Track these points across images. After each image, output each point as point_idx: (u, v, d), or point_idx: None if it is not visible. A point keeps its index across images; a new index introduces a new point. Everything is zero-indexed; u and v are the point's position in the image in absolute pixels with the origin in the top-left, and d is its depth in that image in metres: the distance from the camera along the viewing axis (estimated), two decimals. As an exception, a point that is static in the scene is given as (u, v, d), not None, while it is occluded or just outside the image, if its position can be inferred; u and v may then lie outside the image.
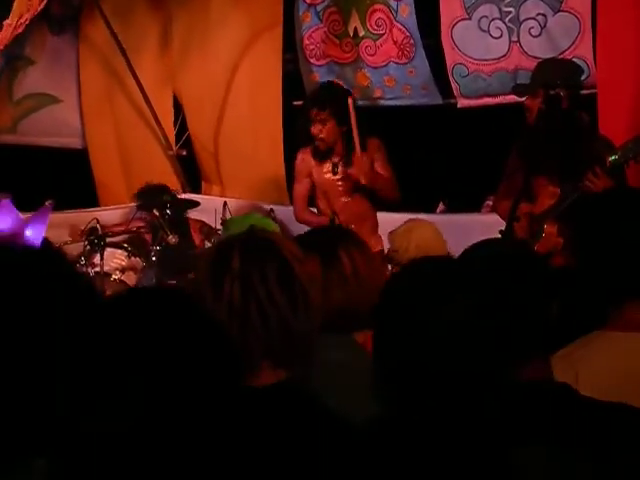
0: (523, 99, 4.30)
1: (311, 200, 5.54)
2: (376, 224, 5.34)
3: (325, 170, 5.30)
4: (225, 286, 1.74)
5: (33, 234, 4.65)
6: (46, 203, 4.84)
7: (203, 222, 6.14)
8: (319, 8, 6.61)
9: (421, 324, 1.50)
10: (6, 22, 6.18)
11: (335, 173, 5.25)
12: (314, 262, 2.18)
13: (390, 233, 3.50)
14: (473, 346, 1.49)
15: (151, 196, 5.99)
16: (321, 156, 5.25)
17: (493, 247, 2.04)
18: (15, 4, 6.16)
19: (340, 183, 5.27)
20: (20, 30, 6.22)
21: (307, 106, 5.30)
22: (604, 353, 1.95)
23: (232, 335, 1.64)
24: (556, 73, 4.17)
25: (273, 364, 1.76)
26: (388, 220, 5.25)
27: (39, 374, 1.44)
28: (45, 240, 5.11)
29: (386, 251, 4.37)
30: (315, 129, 5.15)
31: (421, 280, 1.57)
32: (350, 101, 5.09)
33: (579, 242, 2.11)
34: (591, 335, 2.00)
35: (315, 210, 5.54)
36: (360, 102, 6.51)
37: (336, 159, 5.24)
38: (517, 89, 4.48)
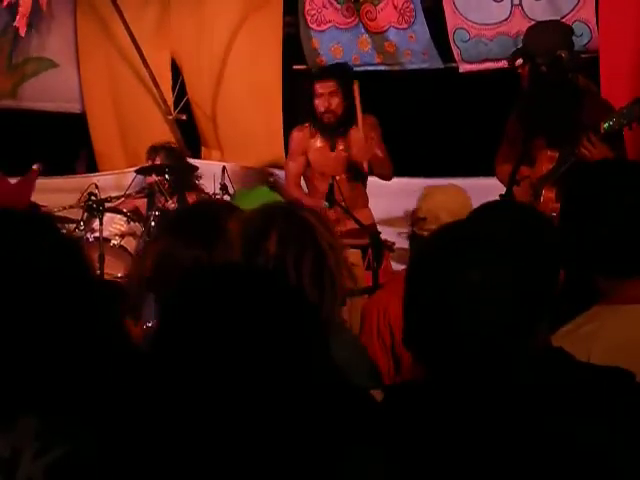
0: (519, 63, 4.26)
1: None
2: (367, 199, 5.43)
3: (323, 146, 5.31)
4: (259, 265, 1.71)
5: (20, 197, 4.64)
6: (33, 166, 4.82)
7: (202, 191, 6.11)
8: (320, -27, 6.56)
9: (445, 288, 1.51)
10: None
11: (333, 150, 5.28)
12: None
13: (419, 199, 3.48)
14: (495, 308, 1.51)
15: (161, 154, 5.96)
16: (326, 131, 5.24)
17: (510, 210, 2.05)
18: None
19: (338, 160, 5.29)
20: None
21: (313, 80, 5.29)
22: (616, 326, 1.92)
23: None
24: (545, 38, 4.11)
25: None
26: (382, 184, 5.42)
27: (23, 336, 1.44)
28: (33, 204, 5.09)
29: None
30: (324, 102, 5.17)
31: (446, 245, 1.58)
32: (356, 85, 5.11)
33: (563, 214, 2.08)
34: (595, 309, 1.98)
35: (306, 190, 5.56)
36: (361, 68, 6.51)
37: (336, 136, 5.26)
38: (509, 58, 4.43)
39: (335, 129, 5.26)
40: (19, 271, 1.47)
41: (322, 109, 5.19)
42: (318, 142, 5.34)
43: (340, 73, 5.36)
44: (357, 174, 5.35)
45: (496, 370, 1.51)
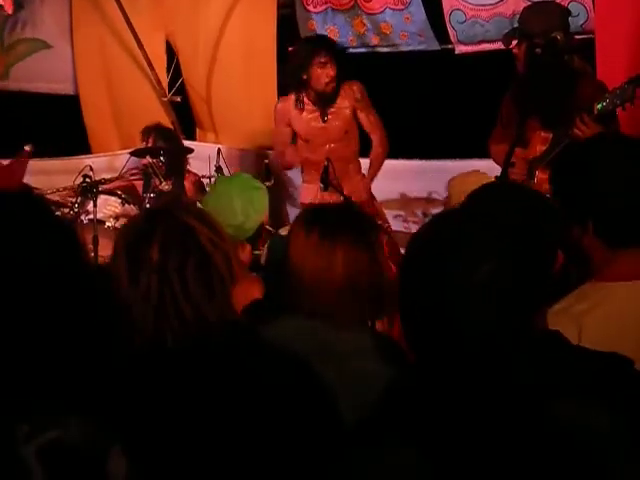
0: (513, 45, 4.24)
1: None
2: (359, 166, 5.38)
3: (313, 117, 5.28)
4: (142, 277, 1.73)
5: (12, 178, 4.60)
6: (25, 147, 4.79)
7: (195, 174, 6.10)
8: (315, -46, 6.54)
9: (442, 272, 1.49)
10: None
11: (325, 120, 5.26)
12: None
13: (450, 180, 3.48)
14: (494, 293, 1.48)
15: (156, 135, 5.93)
16: (321, 101, 5.22)
17: (507, 193, 2.05)
18: None
19: (328, 129, 5.27)
20: None
21: (307, 52, 5.25)
22: (607, 304, 1.93)
23: (147, 322, 1.68)
24: (540, 19, 4.09)
25: None
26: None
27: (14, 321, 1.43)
28: (26, 186, 5.07)
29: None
30: (328, 72, 5.12)
31: (441, 230, 1.55)
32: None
33: (554, 192, 2.10)
34: (585, 287, 1.98)
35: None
36: (357, 49, 6.49)
37: (328, 106, 5.24)
38: (503, 38, 4.40)
39: (330, 99, 5.24)
40: (11, 253, 1.46)
41: (327, 79, 5.15)
42: (305, 112, 5.31)
43: (334, 44, 5.34)
44: (348, 142, 5.33)
45: (494, 365, 1.49)
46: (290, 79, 5.28)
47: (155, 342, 1.69)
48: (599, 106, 3.73)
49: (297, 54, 5.30)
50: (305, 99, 5.26)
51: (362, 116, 5.30)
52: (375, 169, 5.37)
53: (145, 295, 1.72)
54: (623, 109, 3.69)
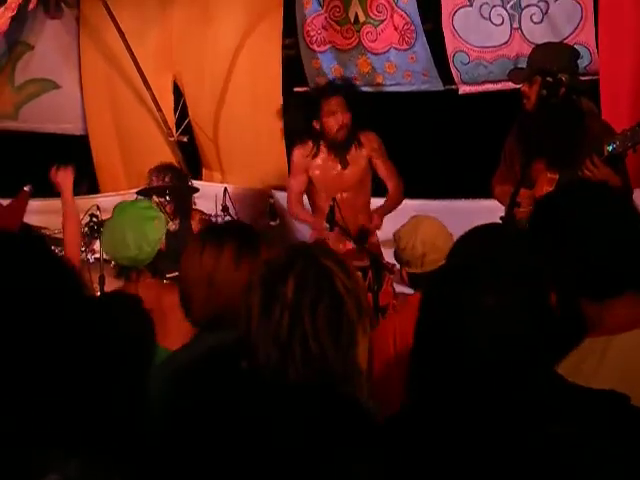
0: (519, 86, 4.27)
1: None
2: (369, 217, 5.38)
3: (329, 164, 5.30)
4: (275, 312, 1.73)
5: (11, 219, 4.59)
6: (24, 188, 4.80)
7: (203, 212, 6.12)
8: (320, -6, 6.60)
9: (460, 314, 1.56)
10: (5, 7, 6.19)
11: (345, 167, 5.27)
12: None
13: (395, 232, 3.51)
14: (508, 336, 1.55)
15: (165, 174, 5.96)
16: (336, 148, 5.23)
17: (504, 234, 2.07)
18: None
19: (343, 177, 5.29)
20: (12, 13, 6.19)
21: (319, 97, 5.27)
22: (615, 360, 1.90)
23: (271, 360, 1.69)
24: (552, 58, 4.12)
25: None
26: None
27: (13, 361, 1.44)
28: (25, 225, 5.03)
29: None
30: (337, 119, 5.14)
31: (459, 274, 1.63)
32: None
33: (537, 237, 2.05)
34: (586, 344, 1.94)
35: (309, 208, 5.55)
36: (362, 88, 6.54)
37: (344, 153, 5.26)
38: (513, 76, 4.42)
39: (344, 146, 5.26)
40: (9, 292, 1.46)
41: (337, 126, 5.17)
42: (321, 160, 5.33)
43: (345, 87, 5.37)
44: (360, 191, 5.35)
45: (503, 396, 1.54)
46: (303, 129, 5.30)
47: (276, 377, 1.69)
48: (609, 148, 3.74)
49: (307, 103, 5.33)
50: (322, 146, 5.28)
51: (378, 163, 5.33)
52: (389, 206, 5.36)
53: (275, 330, 1.72)
54: (634, 151, 3.70)
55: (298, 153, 5.40)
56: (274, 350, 1.71)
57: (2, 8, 6.37)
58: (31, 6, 6.42)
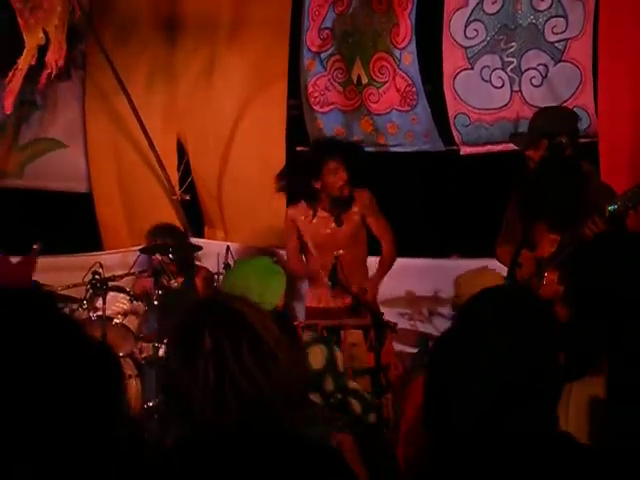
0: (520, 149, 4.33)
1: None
2: (367, 273, 5.42)
3: (324, 222, 5.31)
4: (199, 365, 1.75)
5: (21, 277, 4.63)
6: (34, 246, 4.84)
7: (207, 269, 6.15)
8: (323, 56, 6.68)
9: (468, 366, 1.62)
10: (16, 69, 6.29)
11: (340, 225, 5.28)
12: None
13: (457, 278, 3.51)
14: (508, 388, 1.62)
15: (162, 235, 6.00)
16: (334, 206, 5.25)
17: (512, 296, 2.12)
18: (25, 52, 6.27)
19: (339, 235, 5.30)
20: (23, 73, 6.30)
21: (317, 160, 5.28)
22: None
23: (206, 408, 1.69)
24: (556, 122, 4.18)
25: None
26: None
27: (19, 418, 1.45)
28: (35, 282, 5.06)
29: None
30: (341, 177, 5.16)
31: (466, 330, 1.70)
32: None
33: (572, 293, 2.12)
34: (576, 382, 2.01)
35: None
36: (364, 149, 6.59)
37: (342, 211, 5.27)
38: (516, 140, 4.49)
39: (344, 204, 5.28)
40: (17, 350, 1.48)
41: (341, 182, 5.18)
42: (315, 219, 5.34)
43: (345, 148, 5.39)
44: (355, 248, 5.36)
45: (506, 449, 1.59)
46: (301, 188, 5.31)
47: (213, 428, 1.70)
48: (610, 208, 3.79)
49: (306, 163, 5.35)
50: (319, 208, 5.30)
51: (371, 221, 5.34)
52: (383, 271, 5.39)
53: (204, 381, 1.72)
54: (635, 211, 3.75)
55: (291, 213, 5.42)
56: (208, 401, 1.72)
57: (12, 70, 6.47)
58: (45, 77, 6.52)
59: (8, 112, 6.79)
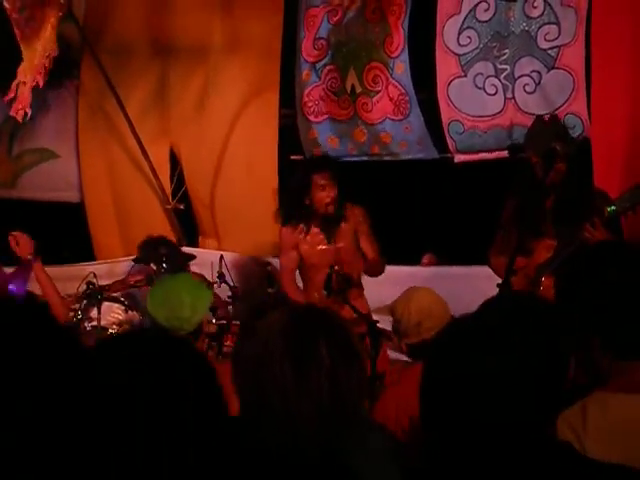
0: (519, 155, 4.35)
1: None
2: (362, 288, 5.39)
3: (317, 239, 5.31)
4: (312, 381, 1.70)
5: (16, 287, 4.63)
6: (28, 257, 4.84)
7: (202, 276, 6.13)
8: (318, 66, 6.69)
9: (464, 379, 1.59)
10: (19, 82, 6.29)
11: (330, 242, 5.27)
12: None
13: (390, 306, 3.50)
14: (509, 397, 1.58)
15: (153, 248, 5.99)
16: (326, 222, 5.24)
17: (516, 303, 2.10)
18: (24, 63, 6.26)
19: (331, 251, 5.28)
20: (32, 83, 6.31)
21: (305, 176, 5.25)
22: (600, 419, 1.92)
23: (311, 420, 1.67)
24: (553, 130, 4.21)
25: None
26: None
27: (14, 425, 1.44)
28: (29, 293, 5.05)
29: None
30: (329, 193, 5.15)
31: (463, 340, 1.65)
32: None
33: (561, 298, 2.11)
34: (587, 398, 1.97)
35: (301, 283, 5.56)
36: (357, 158, 6.60)
37: (333, 228, 5.27)
38: (513, 150, 4.52)
39: (333, 220, 5.27)
40: (14, 360, 1.47)
41: (328, 200, 5.17)
42: (310, 236, 5.34)
43: (335, 164, 5.40)
44: (351, 265, 5.35)
45: (505, 460, 1.57)
46: (293, 207, 5.30)
47: (318, 442, 1.69)
48: (609, 209, 3.82)
49: (296, 180, 5.34)
50: (311, 225, 5.29)
51: (362, 239, 5.33)
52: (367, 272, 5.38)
53: (316, 395, 1.69)
54: (634, 212, 3.77)
55: (286, 231, 5.40)
56: (313, 414, 1.68)
57: (14, 82, 6.47)
58: (41, 84, 6.52)
59: (21, 121, 6.77)
